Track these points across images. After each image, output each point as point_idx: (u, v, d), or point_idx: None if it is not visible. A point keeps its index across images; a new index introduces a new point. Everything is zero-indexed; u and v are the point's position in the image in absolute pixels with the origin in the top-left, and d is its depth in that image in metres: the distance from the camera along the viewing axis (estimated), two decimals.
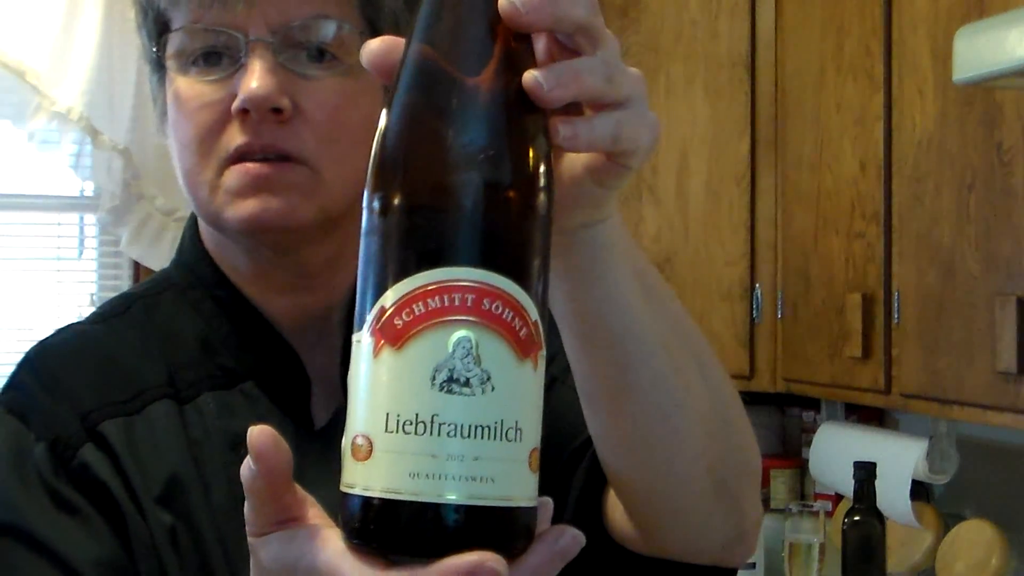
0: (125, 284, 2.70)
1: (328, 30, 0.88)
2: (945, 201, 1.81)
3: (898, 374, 1.94)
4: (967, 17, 1.71)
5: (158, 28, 0.91)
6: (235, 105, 0.86)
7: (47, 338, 0.97)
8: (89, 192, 2.64)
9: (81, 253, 2.71)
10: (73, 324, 0.99)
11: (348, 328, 0.63)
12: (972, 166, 1.75)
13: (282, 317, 0.93)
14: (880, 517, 2.10)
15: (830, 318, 2.12)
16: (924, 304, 1.87)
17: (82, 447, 0.89)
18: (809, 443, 2.49)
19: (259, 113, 0.85)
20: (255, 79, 0.85)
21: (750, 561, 2.37)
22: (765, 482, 2.60)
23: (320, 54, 0.88)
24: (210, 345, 0.94)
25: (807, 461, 2.52)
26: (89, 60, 2.49)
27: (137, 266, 2.67)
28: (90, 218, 2.68)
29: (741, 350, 2.33)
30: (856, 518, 2.10)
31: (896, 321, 1.94)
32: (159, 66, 0.93)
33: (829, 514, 2.49)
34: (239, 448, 0.71)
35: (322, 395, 0.93)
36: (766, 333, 2.32)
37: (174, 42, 0.90)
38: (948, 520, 2.18)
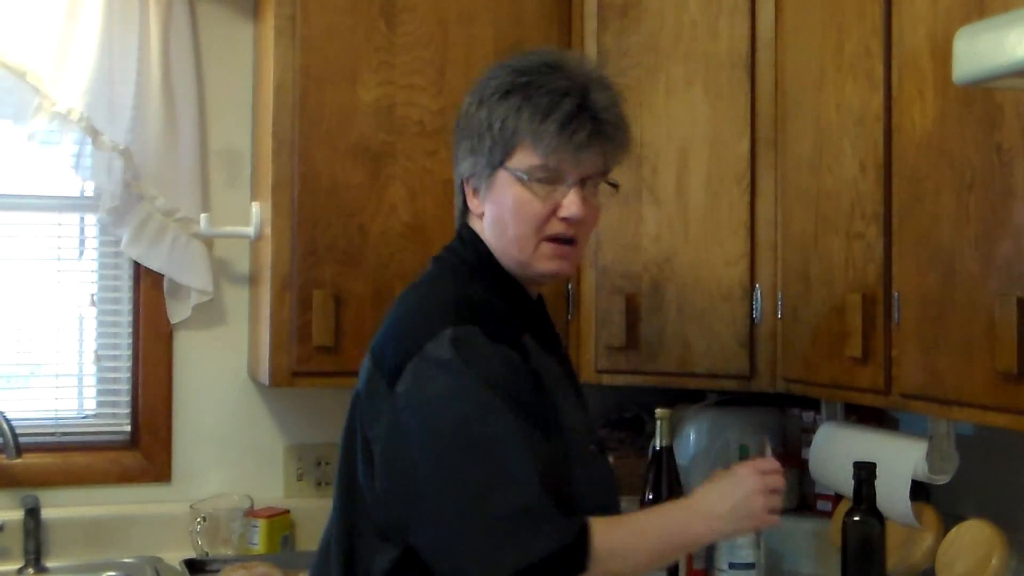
0: (125, 284, 2.70)
1: (599, 182, 1.72)
2: (945, 201, 1.81)
3: (898, 374, 1.94)
4: (967, 17, 1.71)
5: (506, 150, 1.66)
6: (562, 214, 1.66)
7: (451, 292, 1.66)
8: (89, 192, 2.64)
9: (81, 253, 2.71)
10: (446, 285, 1.69)
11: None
12: (972, 166, 1.75)
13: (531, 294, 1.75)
14: (880, 517, 2.10)
15: (830, 318, 2.12)
16: (924, 304, 1.87)
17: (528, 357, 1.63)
18: (809, 443, 2.49)
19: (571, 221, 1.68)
20: (576, 205, 1.66)
21: (750, 561, 2.38)
22: None
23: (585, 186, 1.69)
24: (517, 305, 1.71)
25: (807, 461, 2.52)
26: (89, 60, 2.49)
27: (137, 266, 2.67)
28: (90, 218, 2.67)
29: (741, 350, 2.33)
30: (856, 518, 2.10)
31: (896, 321, 1.94)
32: (495, 167, 1.68)
33: (829, 514, 2.50)
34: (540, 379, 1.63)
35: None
36: (766, 333, 2.32)
37: (522, 163, 1.66)
38: (948, 520, 2.18)
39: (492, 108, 1.67)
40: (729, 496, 1.67)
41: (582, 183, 1.67)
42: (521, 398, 1.56)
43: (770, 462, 1.73)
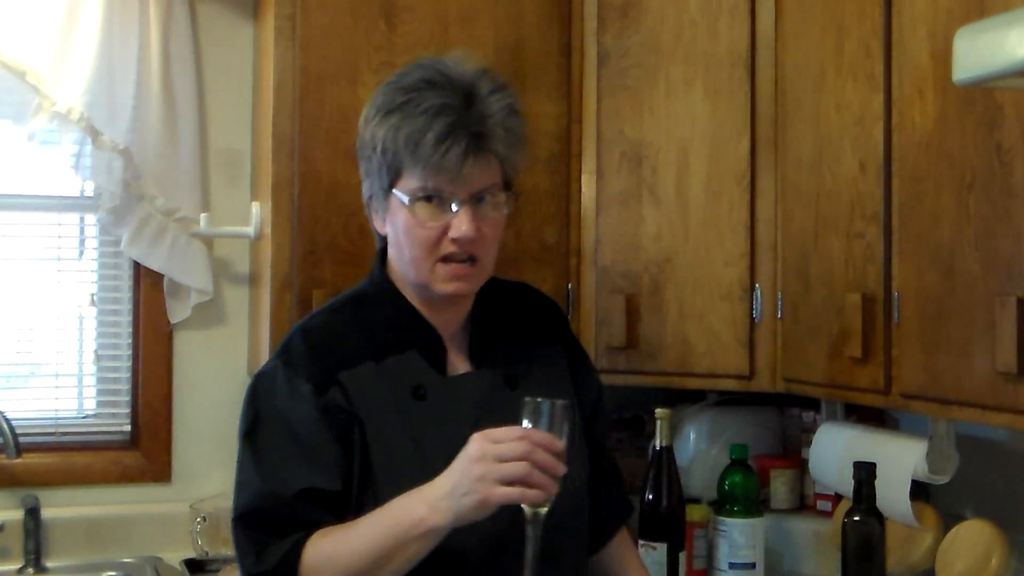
0: (125, 284, 2.70)
1: (494, 193, 1.65)
2: (945, 201, 1.81)
3: (898, 374, 1.94)
4: (967, 17, 1.71)
5: (391, 172, 1.64)
6: (452, 235, 1.62)
7: (305, 320, 1.75)
8: (89, 192, 2.64)
9: (81, 253, 2.71)
10: (317, 312, 1.76)
11: (467, 325, 1.73)
12: (972, 166, 1.75)
13: (432, 318, 1.71)
14: (880, 517, 2.10)
15: (830, 318, 2.12)
16: (924, 304, 1.87)
17: (330, 389, 1.63)
18: (809, 443, 2.49)
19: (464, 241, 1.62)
20: (465, 225, 1.61)
21: (750, 561, 2.38)
22: (765, 482, 2.60)
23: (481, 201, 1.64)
24: (392, 329, 1.70)
25: (807, 461, 2.52)
26: (89, 60, 2.49)
27: (137, 266, 2.67)
28: (90, 218, 2.67)
29: (741, 350, 2.33)
30: (856, 518, 2.10)
31: (896, 321, 1.94)
32: (387, 191, 1.65)
33: (829, 514, 2.50)
34: (417, 391, 1.65)
35: (453, 359, 1.72)
36: (766, 333, 2.32)
37: (407, 187, 1.63)
38: (948, 520, 2.18)
39: (375, 130, 1.64)
40: (453, 471, 1.49)
41: (474, 199, 1.62)
42: (291, 425, 1.64)
43: (508, 431, 1.48)
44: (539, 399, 1.51)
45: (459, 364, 1.73)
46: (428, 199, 1.61)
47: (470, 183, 1.61)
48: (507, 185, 1.68)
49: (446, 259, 1.64)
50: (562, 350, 1.85)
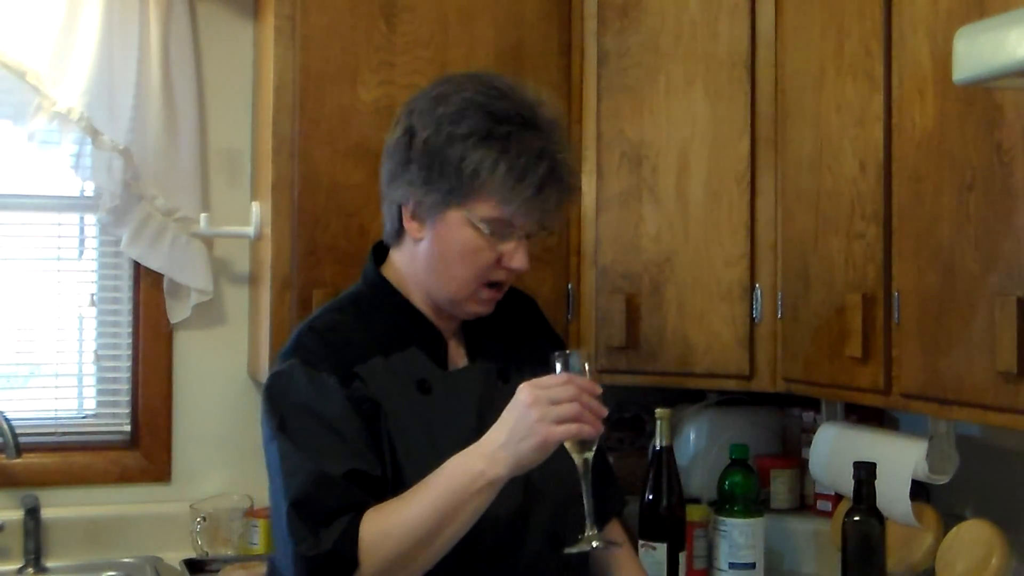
0: (125, 284, 2.70)
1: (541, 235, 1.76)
2: (945, 201, 1.81)
3: (898, 374, 1.94)
4: (967, 17, 1.71)
5: (468, 192, 1.67)
6: (512, 265, 1.71)
7: (309, 320, 1.78)
8: (89, 192, 2.64)
9: (81, 253, 2.71)
10: (319, 313, 1.79)
11: (465, 323, 1.80)
12: (972, 166, 1.75)
13: (434, 319, 1.77)
14: (880, 517, 2.10)
15: (830, 318, 2.12)
16: (924, 304, 1.87)
17: (353, 381, 1.66)
18: (809, 443, 2.49)
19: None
20: (523, 257, 1.71)
21: (750, 561, 2.38)
22: (765, 482, 2.60)
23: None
24: (394, 326, 1.75)
25: (807, 461, 2.52)
26: (89, 60, 2.49)
27: (137, 266, 2.66)
28: (90, 218, 2.67)
29: (741, 350, 2.33)
30: (856, 518, 2.10)
31: (896, 321, 1.94)
32: (448, 205, 1.69)
33: (829, 514, 2.50)
34: (422, 384, 1.71)
35: (452, 354, 1.78)
36: (766, 333, 2.32)
37: (483, 212, 1.67)
38: (948, 520, 2.18)
39: (466, 150, 1.66)
40: (506, 422, 1.55)
41: (528, 235, 1.72)
42: (322, 416, 1.64)
43: (553, 378, 1.57)
44: (567, 350, 1.61)
45: (458, 359, 1.80)
46: (499, 230, 1.69)
47: (540, 218, 1.71)
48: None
49: (490, 284, 1.73)
50: (546, 343, 1.91)
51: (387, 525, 1.57)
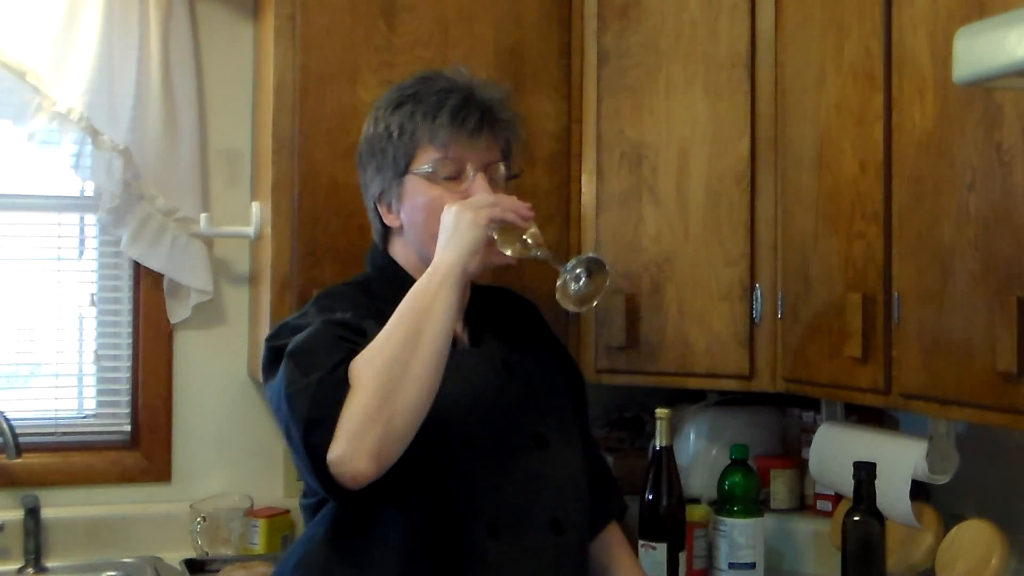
0: (125, 284, 2.70)
1: (499, 168, 1.83)
2: (945, 201, 1.81)
3: (898, 374, 1.94)
4: (967, 17, 1.71)
5: (407, 154, 1.79)
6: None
7: (323, 291, 1.84)
8: (89, 192, 2.64)
9: (81, 253, 2.71)
10: (331, 286, 1.86)
11: (469, 316, 1.83)
12: (972, 166, 1.76)
13: None
14: (880, 517, 2.10)
15: (830, 318, 2.12)
16: (924, 304, 1.87)
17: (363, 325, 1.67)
18: (809, 443, 2.49)
19: None
20: (484, 187, 1.76)
21: (750, 561, 2.38)
22: (765, 482, 2.60)
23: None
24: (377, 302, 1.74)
25: (807, 461, 2.52)
26: (89, 60, 2.48)
27: (137, 266, 2.66)
28: (90, 218, 2.67)
29: (741, 350, 2.33)
30: (856, 518, 2.10)
31: (896, 321, 1.94)
32: (401, 175, 1.80)
33: (829, 514, 2.50)
34: None
35: (458, 338, 1.78)
36: (766, 333, 2.32)
37: (426, 159, 1.78)
38: (948, 520, 2.18)
39: (388, 120, 1.81)
40: (443, 229, 1.67)
41: (485, 170, 1.79)
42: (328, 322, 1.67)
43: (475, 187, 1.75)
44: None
45: (463, 343, 1.82)
46: (449, 170, 1.77)
47: (482, 153, 1.79)
48: (507, 167, 1.85)
49: None
50: (546, 343, 1.97)
51: (370, 351, 1.58)
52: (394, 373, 1.54)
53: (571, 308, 1.72)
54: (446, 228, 1.66)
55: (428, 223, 1.75)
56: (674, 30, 2.41)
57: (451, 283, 1.62)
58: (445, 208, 1.68)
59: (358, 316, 1.70)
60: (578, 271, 1.68)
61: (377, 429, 1.51)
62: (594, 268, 1.69)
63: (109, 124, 2.50)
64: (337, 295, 1.80)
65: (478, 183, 1.76)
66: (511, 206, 1.68)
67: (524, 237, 1.69)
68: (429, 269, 1.64)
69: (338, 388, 1.54)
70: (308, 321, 1.69)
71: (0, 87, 2.48)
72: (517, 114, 1.87)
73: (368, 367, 1.55)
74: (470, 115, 1.77)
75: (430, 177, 1.77)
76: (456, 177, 1.77)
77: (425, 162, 1.77)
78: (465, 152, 1.77)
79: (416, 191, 1.78)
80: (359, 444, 1.50)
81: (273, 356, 1.67)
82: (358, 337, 1.63)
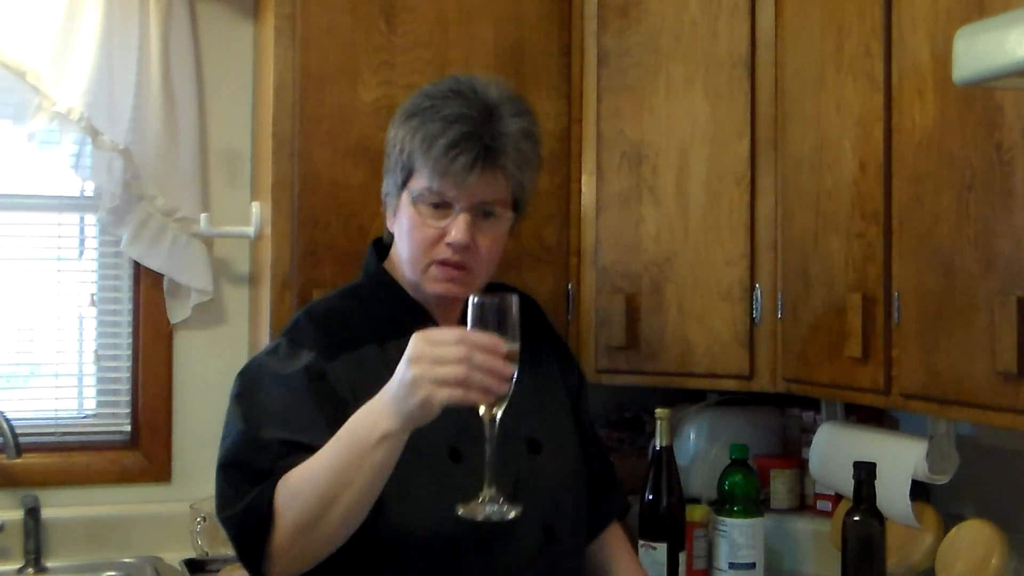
0: (125, 284, 2.70)
1: (499, 210, 1.75)
2: (945, 201, 1.81)
3: (898, 374, 1.94)
4: (967, 17, 1.71)
5: (405, 171, 1.74)
6: (447, 240, 1.70)
7: (310, 305, 1.85)
8: (89, 192, 2.64)
9: (81, 253, 2.71)
10: (322, 298, 1.86)
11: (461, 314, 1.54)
12: (972, 166, 1.76)
13: (432, 310, 1.79)
14: (880, 517, 2.10)
15: (830, 318, 2.12)
16: (924, 304, 1.87)
17: (331, 363, 1.68)
18: (809, 443, 2.49)
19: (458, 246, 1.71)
20: (460, 231, 1.70)
21: (750, 561, 2.38)
22: (765, 482, 2.60)
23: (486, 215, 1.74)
24: (391, 316, 1.77)
25: (807, 461, 2.52)
26: (89, 60, 2.49)
27: (137, 266, 2.67)
28: (90, 218, 2.67)
29: (741, 350, 2.33)
30: (856, 518, 2.10)
31: (896, 321, 1.94)
32: (400, 189, 1.76)
33: (829, 514, 2.50)
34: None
35: None
36: (766, 333, 2.32)
37: (416, 185, 1.72)
38: (948, 520, 2.18)
39: (397, 129, 1.77)
40: (396, 374, 1.47)
41: (478, 211, 1.72)
42: (278, 385, 1.67)
43: (444, 332, 1.45)
44: (484, 298, 1.46)
45: None
46: (435, 205, 1.71)
47: (474, 193, 1.71)
48: (515, 205, 1.78)
49: (442, 262, 1.73)
50: (547, 343, 1.95)
51: (297, 483, 1.54)
52: (312, 517, 1.53)
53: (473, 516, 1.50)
54: (403, 383, 1.44)
55: (407, 245, 1.76)
56: (674, 30, 2.41)
57: (386, 448, 1.48)
58: (410, 346, 1.45)
59: (324, 351, 1.69)
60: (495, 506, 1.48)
61: (302, 550, 1.57)
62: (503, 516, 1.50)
63: (109, 124, 2.50)
64: (317, 318, 1.78)
65: (458, 224, 1.70)
66: (488, 376, 1.42)
67: (503, 404, 1.46)
68: (371, 417, 1.49)
69: (262, 522, 1.56)
70: (275, 365, 1.69)
71: (0, 87, 2.48)
72: (534, 148, 1.77)
73: (292, 504, 1.54)
74: (464, 152, 1.67)
75: (416, 202, 1.73)
76: (446, 206, 1.72)
77: (416, 186, 1.73)
78: (453, 189, 1.70)
79: (405, 210, 1.76)
80: (287, 562, 1.58)
81: (233, 399, 1.72)
82: (307, 396, 1.64)
